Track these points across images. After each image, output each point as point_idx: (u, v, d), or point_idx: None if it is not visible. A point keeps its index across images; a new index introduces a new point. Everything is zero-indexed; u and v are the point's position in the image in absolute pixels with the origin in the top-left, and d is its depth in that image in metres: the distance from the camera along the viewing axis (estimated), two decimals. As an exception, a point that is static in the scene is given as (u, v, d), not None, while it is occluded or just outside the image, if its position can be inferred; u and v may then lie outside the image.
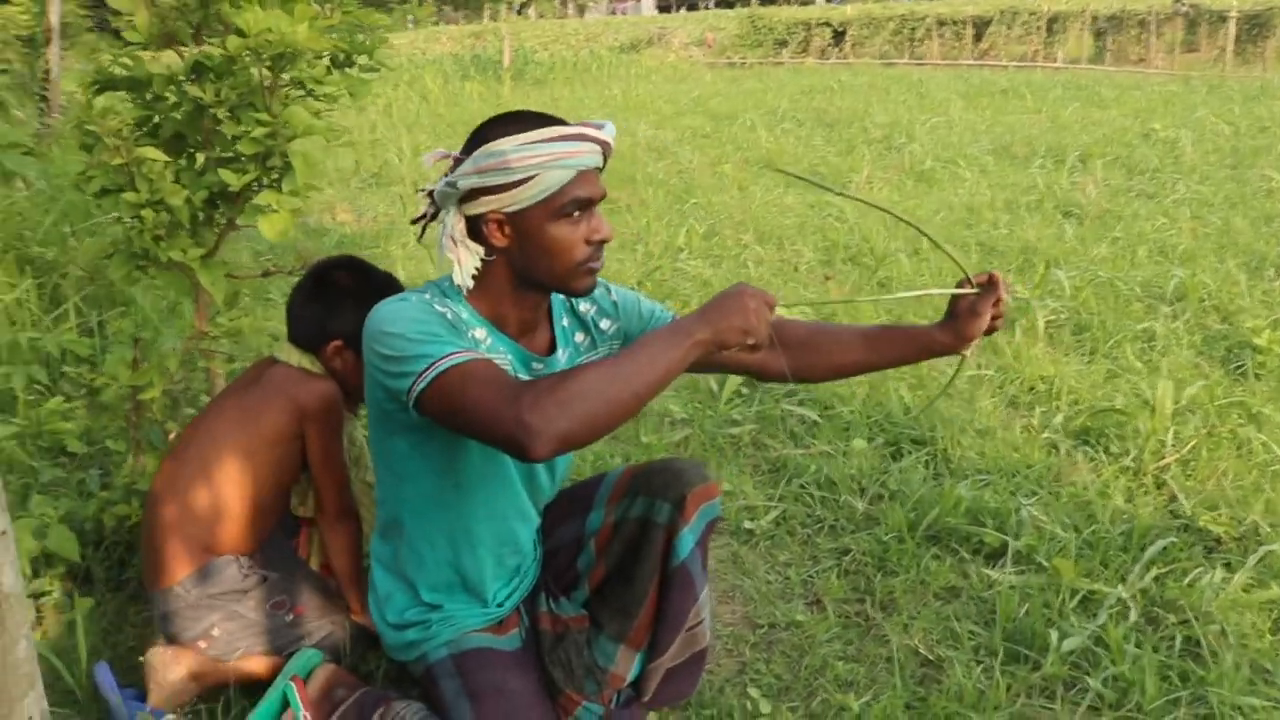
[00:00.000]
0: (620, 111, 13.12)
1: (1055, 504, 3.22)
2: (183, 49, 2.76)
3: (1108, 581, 2.78)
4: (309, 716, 2.25)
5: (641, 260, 6.13)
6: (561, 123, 1.87)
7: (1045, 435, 3.71)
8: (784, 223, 7.01)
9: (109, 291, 4.45)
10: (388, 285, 2.60)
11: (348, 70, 3.12)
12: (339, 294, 2.56)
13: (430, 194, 1.94)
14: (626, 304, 2.23)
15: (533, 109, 1.92)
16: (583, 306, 2.18)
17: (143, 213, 2.66)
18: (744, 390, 4.20)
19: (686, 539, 2.14)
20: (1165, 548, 2.91)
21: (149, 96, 2.81)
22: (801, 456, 3.60)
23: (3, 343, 4.20)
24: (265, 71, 2.66)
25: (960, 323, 2.05)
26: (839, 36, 23.25)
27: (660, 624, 2.19)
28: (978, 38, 23.83)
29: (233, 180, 2.65)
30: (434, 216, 1.96)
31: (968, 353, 2.10)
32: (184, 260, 2.77)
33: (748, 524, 3.22)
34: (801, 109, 12.83)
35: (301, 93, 2.88)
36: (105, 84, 2.85)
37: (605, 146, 1.87)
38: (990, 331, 2.07)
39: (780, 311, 1.92)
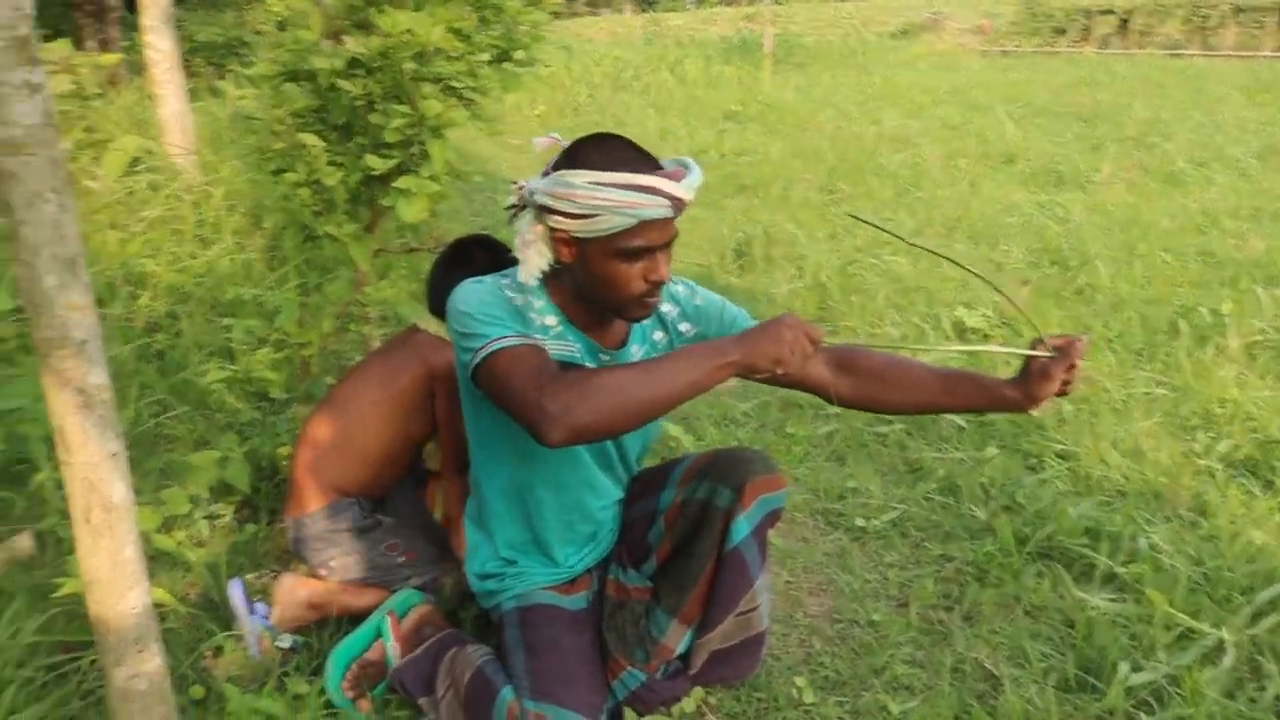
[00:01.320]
0: (874, 100, 12.96)
1: (1187, 535, 3.08)
2: (343, 46, 3.02)
3: (1213, 621, 2.66)
4: (396, 647, 2.50)
5: (845, 252, 6.12)
6: (645, 165, 1.95)
7: (1203, 462, 3.53)
8: (1005, 221, 6.83)
9: (321, 258, 4.85)
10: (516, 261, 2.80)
11: (504, 65, 3.33)
12: (473, 269, 2.78)
13: (520, 187, 2.10)
14: (709, 310, 2.33)
15: (627, 139, 2.00)
16: (665, 306, 2.30)
17: (300, 191, 2.94)
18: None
19: (742, 525, 2.23)
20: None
21: (324, 87, 3.10)
22: (933, 460, 3.57)
23: (232, 298, 4.68)
24: (408, 67, 2.88)
25: (1031, 383, 2.08)
26: (1124, 24, 21.94)
27: (712, 603, 2.30)
28: (1284, 25, 21.94)
29: (378, 165, 2.90)
30: (521, 209, 2.12)
31: (1036, 412, 2.10)
32: (338, 235, 3.04)
33: (859, 521, 3.25)
34: (1061, 102, 12.30)
35: (439, 86, 3.09)
36: (289, 75, 3.15)
37: (677, 202, 1.94)
38: (1062, 394, 2.08)
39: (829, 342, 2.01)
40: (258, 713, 2.29)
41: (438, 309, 2.79)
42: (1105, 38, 22.62)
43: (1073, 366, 2.04)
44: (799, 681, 2.48)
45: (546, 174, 2.01)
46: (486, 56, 3.25)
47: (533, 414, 1.80)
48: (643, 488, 2.46)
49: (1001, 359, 4.21)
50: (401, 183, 2.91)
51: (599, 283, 2.02)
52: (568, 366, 2.04)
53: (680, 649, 2.35)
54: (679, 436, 3.72)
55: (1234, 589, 2.81)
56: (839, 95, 13.26)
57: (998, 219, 6.89)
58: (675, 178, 1.95)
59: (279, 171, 3.06)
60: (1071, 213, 7.01)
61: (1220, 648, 2.56)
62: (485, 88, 3.23)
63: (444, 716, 2.28)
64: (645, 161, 1.97)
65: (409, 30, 2.80)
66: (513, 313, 2.04)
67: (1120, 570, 2.85)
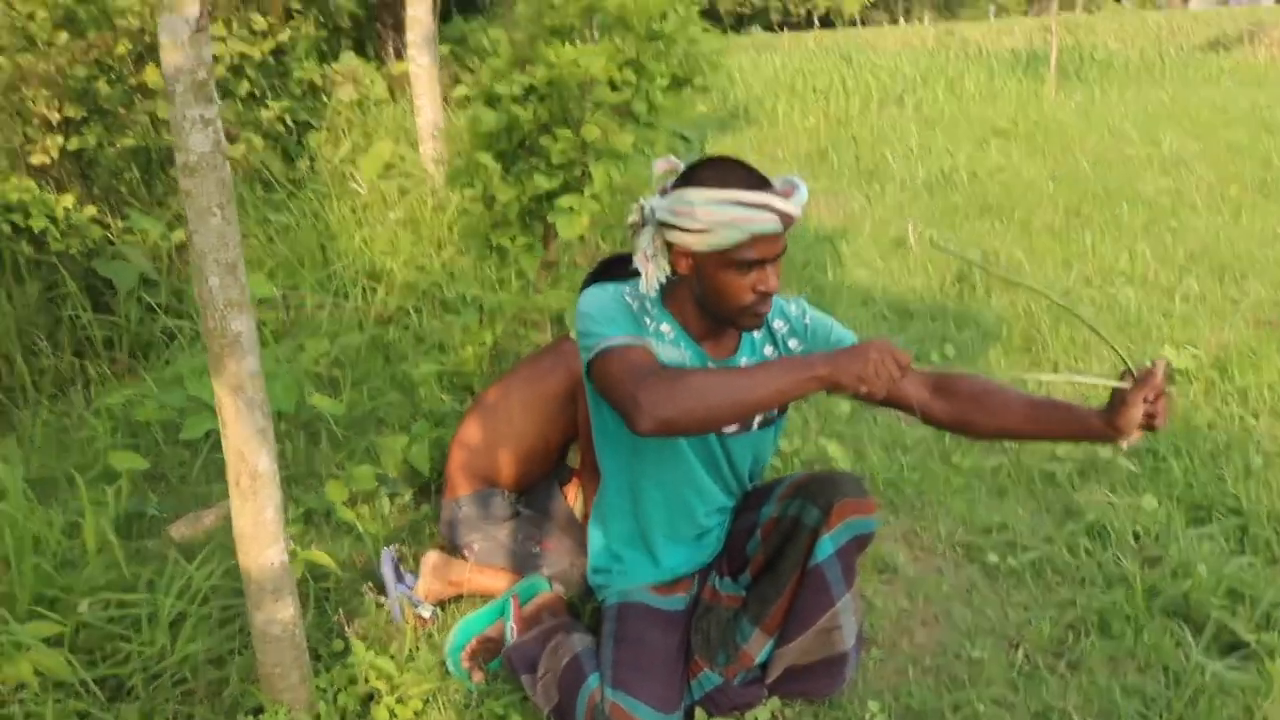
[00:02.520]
0: (1157, 118, 12.31)
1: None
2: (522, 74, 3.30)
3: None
4: (515, 628, 2.76)
5: (1072, 281, 5.96)
6: (757, 184, 2.15)
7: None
8: (1258, 255, 6.43)
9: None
10: None
11: (684, 89, 3.52)
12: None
13: (641, 206, 2.31)
14: (817, 329, 2.47)
15: (740, 160, 2.21)
16: (777, 323, 2.47)
17: (474, 206, 3.24)
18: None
19: (826, 544, 2.35)
20: None
21: (509, 110, 3.38)
22: (1088, 502, 3.51)
23: (453, 296, 5.08)
24: (574, 94, 3.12)
25: (1114, 412, 2.12)
26: None
27: (792, 617, 2.43)
28: None
29: (544, 184, 3.15)
30: (641, 226, 2.32)
31: (1124, 445, 2.12)
32: (510, 247, 3.32)
33: (995, 558, 3.24)
34: (1373, 127, 11.31)
35: (610, 111, 3.31)
36: (488, 99, 3.46)
37: (786, 217, 2.13)
38: (1150, 428, 2.11)
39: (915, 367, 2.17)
40: (375, 668, 2.58)
41: None
42: None
43: (1159, 396, 2.07)
44: (873, 705, 2.55)
45: (665, 193, 2.21)
46: (664, 83, 3.45)
47: (627, 404, 2.01)
48: (750, 501, 2.61)
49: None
50: (564, 201, 3.16)
51: (713, 293, 2.21)
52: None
53: (760, 658, 2.47)
54: (838, 456, 3.80)
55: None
56: (1121, 113, 12.67)
57: (1251, 252, 6.49)
58: (785, 195, 2.15)
59: (468, 185, 3.36)
60: (1341, 251, 6.52)
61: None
62: (659, 113, 3.42)
63: (540, 695, 2.49)
64: (757, 180, 2.16)
65: (575, 62, 3.03)
66: (629, 316, 2.25)
67: (1250, 638, 2.75)
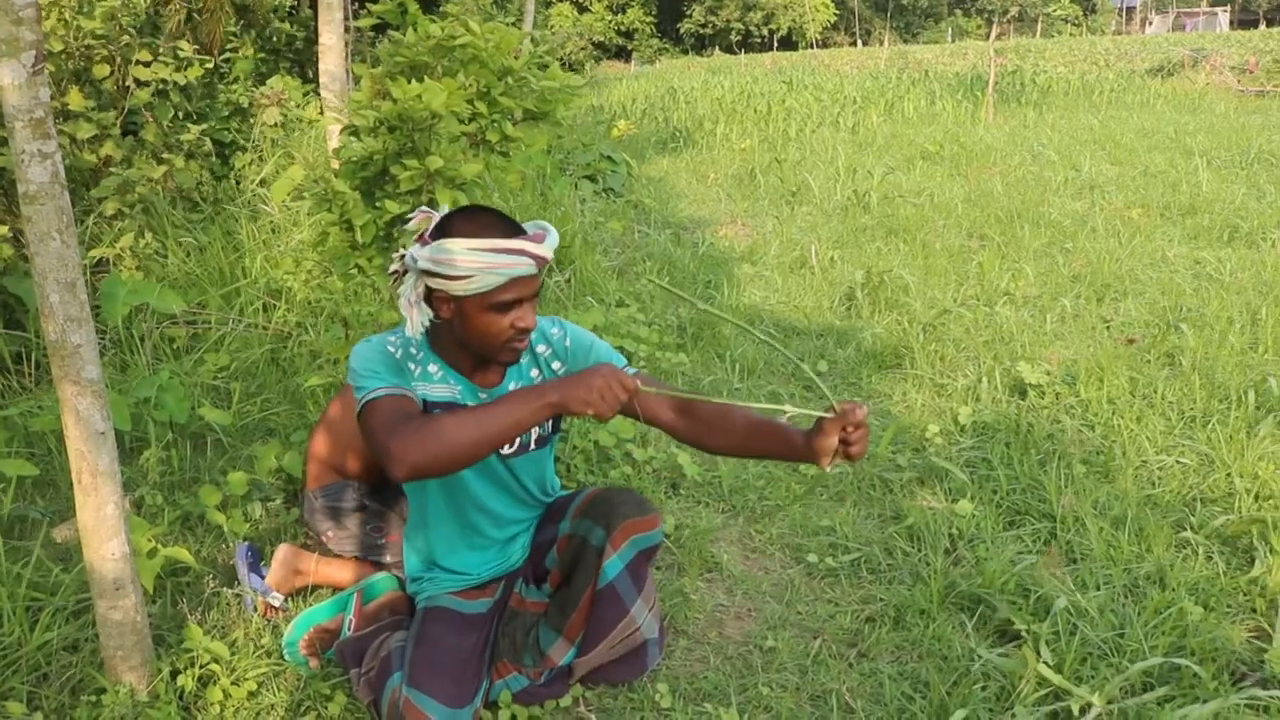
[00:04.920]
0: (1084, 143, 12.68)
1: (1125, 603, 3.17)
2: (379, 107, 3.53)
3: (1094, 687, 2.78)
4: (353, 621, 2.98)
5: (954, 300, 6.23)
6: (510, 231, 2.36)
7: (1188, 534, 3.57)
8: (1141, 277, 6.73)
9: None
10: None
11: (539, 124, 3.76)
12: None
13: (402, 257, 2.53)
14: (577, 349, 2.69)
15: (493, 208, 2.44)
16: (540, 347, 2.69)
17: (331, 229, 3.47)
18: (934, 441, 4.36)
19: (614, 564, 2.59)
20: (1179, 671, 2.82)
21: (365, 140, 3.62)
22: (912, 508, 3.76)
23: (348, 313, 5.29)
24: (422, 126, 3.36)
25: (813, 437, 2.34)
26: None
27: (590, 629, 2.66)
28: None
29: (394, 208, 3.39)
30: (403, 274, 2.55)
31: (825, 466, 2.36)
32: (366, 268, 3.55)
33: (811, 558, 3.49)
34: (1287, 152, 11.70)
35: (463, 142, 3.55)
36: (352, 131, 3.69)
37: (539, 260, 2.35)
38: (848, 457, 2.32)
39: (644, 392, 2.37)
40: (209, 652, 2.80)
41: None
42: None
43: (858, 427, 2.28)
44: (661, 688, 2.78)
45: (425, 243, 2.42)
46: (518, 115, 3.69)
47: (383, 454, 2.23)
48: (552, 513, 2.84)
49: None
50: (411, 226, 3.39)
51: (474, 333, 2.41)
52: (449, 408, 2.47)
53: (563, 662, 2.70)
54: (687, 465, 4.05)
55: (1138, 657, 2.90)
56: (1048, 138, 13.03)
57: (1136, 274, 6.79)
58: (537, 240, 2.36)
59: (328, 210, 3.59)
60: (1222, 270, 6.82)
61: (1085, 712, 2.69)
62: (513, 142, 3.66)
63: (362, 689, 2.71)
64: (510, 227, 2.38)
65: (418, 96, 3.27)
66: (390, 365, 2.46)
67: (1023, 627, 3.00)
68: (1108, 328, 5.81)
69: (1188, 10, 62.33)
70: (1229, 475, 3.95)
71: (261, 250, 5.95)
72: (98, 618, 2.66)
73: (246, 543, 3.31)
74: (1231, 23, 58.03)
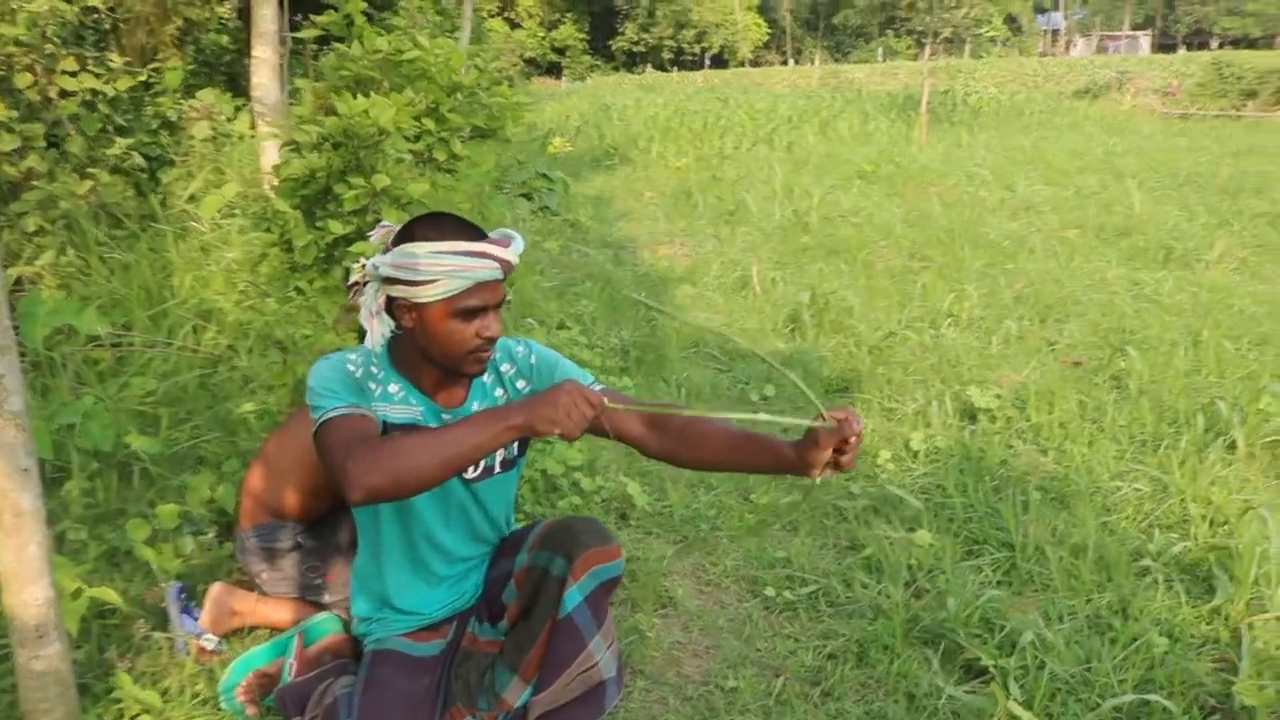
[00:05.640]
0: (1017, 164, 12.81)
1: (1090, 636, 3.11)
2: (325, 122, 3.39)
3: None
4: (294, 666, 2.82)
5: (899, 323, 6.20)
6: (474, 235, 2.25)
7: (1148, 562, 3.52)
8: (1082, 299, 6.75)
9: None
10: None
11: (487, 139, 3.64)
12: None
13: (363, 265, 2.40)
14: (542, 367, 2.56)
15: (456, 214, 2.32)
16: (504, 366, 2.56)
17: (271, 250, 3.31)
18: (887, 468, 4.29)
19: (574, 595, 2.44)
20: (1149, 705, 2.76)
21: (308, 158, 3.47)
22: (870, 536, 3.68)
23: (283, 336, 5.11)
24: (368, 143, 3.22)
25: (804, 449, 2.21)
26: (1329, 87, 20.81)
27: (547, 664, 2.51)
28: None
29: (338, 229, 3.24)
30: (365, 284, 2.41)
31: (815, 478, 2.25)
32: (307, 290, 3.40)
33: (772, 591, 3.39)
34: (1211, 172, 11.89)
35: (411, 160, 3.42)
36: (293, 147, 3.54)
37: (505, 264, 2.24)
38: (839, 468, 2.21)
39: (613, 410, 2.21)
40: (139, 701, 2.62)
41: None
42: (1305, 102, 21.53)
43: (847, 440, 2.16)
44: (621, 734, 2.66)
45: (387, 251, 2.30)
46: (465, 134, 3.56)
47: (338, 475, 2.08)
48: (505, 548, 2.69)
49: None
50: (356, 248, 3.24)
51: (438, 341, 2.28)
52: (410, 429, 2.32)
53: (519, 703, 2.56)
54: (635, 494, 3.93)
55: (1107, 692, 2.84)
56: (981, 158, 13.14)
57: (1076, 295, 6.82)
58: (503, 245, 2.24)
59: (266, 230, 3.43)
60: (1159, 292, 6.88)
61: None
62: (461, 161, 3.53)
63: (307, 736, 2.56)
64: (474, 232, 2.26)
65: (365, 112, 3.13)
66: (350, 384, 2.32)
67: (991, 663, 2.92)
68: (1052, 350, 5.81)
69: (1110, 34, 63.78)
70: (1183, 501, 3.92)
71: (191, 269, 5.74)
72: (18, 668, 2.48)
73: (178, 582, 3.13)
74: (1152, 46, 59.43)
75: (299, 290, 3.40)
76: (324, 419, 2.21)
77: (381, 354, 2.40)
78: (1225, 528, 3.77)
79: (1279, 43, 64.11)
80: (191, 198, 6.86)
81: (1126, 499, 3.99)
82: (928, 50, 18.70)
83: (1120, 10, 76.45)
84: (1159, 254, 8.15)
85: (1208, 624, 3.22)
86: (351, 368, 2.37)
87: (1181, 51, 50.48)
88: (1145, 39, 60.06)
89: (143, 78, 7.47)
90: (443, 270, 2.18)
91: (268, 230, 3.34)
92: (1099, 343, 5.87)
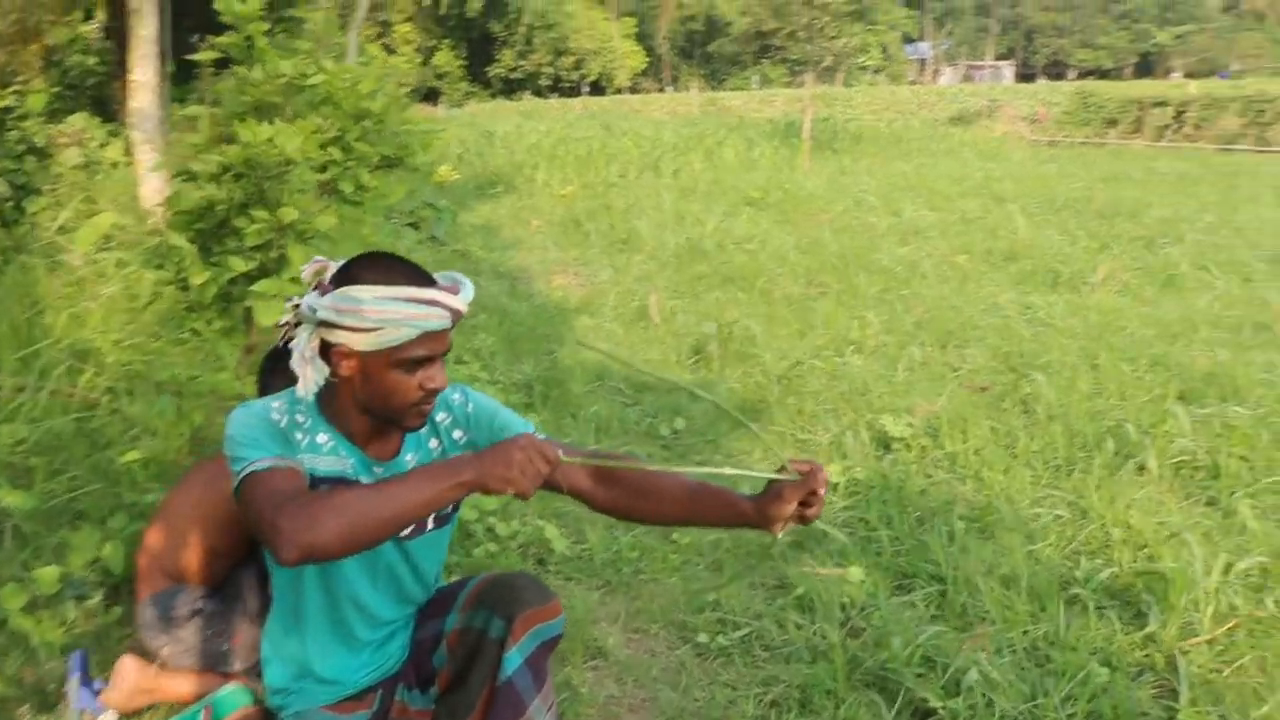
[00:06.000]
0: (900, 190, 12.99)
1: (1030, 669, 3.04)
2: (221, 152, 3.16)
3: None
4: None
5: (804, 351, 6.15)
6: (422, 280, 2.05)
7: (1078, 590, 3.49)
8: (979, 323, 6.80)
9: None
10: None
11: (395, 169, 3.45)
12: (288, 370, 2.87)
13: (296, 305, 2.19)
14: (480, 416, 2.38)
15: (401, 257, 2.12)
16: (440, 415, 2.37)
17: (165, 290, 3.07)
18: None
19: (514, 657, 2.26)
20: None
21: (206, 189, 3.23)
22: (800, 574, 3.57)
23: (168, 377, 4.83)
24: (272, 173, 3.01)
25: (767, 503, 2.09)
26: (1179, 116, 21.71)
27: None
28: (1346, 119, 21.52)
29: (239, 266, 3.02)
30: (295, 326, 2.21)
31: (778, 534, 2.12)
32: (204, 332, 3.16)
33: (705, 637, 3.25)
34: (1087, 197, 12.22)
35: (315, 191, 3.22)
36: (185, 174, 3.30)
37: (455, 313, 2.05)
38: (803, 521, 2.09)
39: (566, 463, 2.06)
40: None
41: None
42: (1160, 130, 22.44)
43: (813, 493, 2.05)
44: (563, 801, 2.49)
45: (324, 291, 2.10)
46: (373, 163, 3.37)
47: (268, 532, 1.88)
48: (434, 608, 2.50)
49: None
50: (259, 286, 3.02)
51: (378, 393, 2.10)
52: (338, 483, 2.12)
53: (458, 775, 2.37)
54: (553, 538, 3.76)
55: (1055, 729, 2.77)
56: (866, 184, 13.31)
57: (974, 320, 6.87)
58: (452, 291, 2.06)
59: (158, 267, 3.19)
60: (1052, 316, 6.97)
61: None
62: (367, 193, 3.33)
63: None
64: (422, 277, 2.07)
65: (270, 140, 2.92)
66: (274, 435, 2.11)
67: (939, 704, 2.83)
68: (956, 375, 5.81)
69: (975, 63, 65.90)
70: (1104, 526, 3.91)
71: (64, 306, 5.40)
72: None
73: (80, 650, 2.86)
74: (1015, 76, 61.52)
75: (195, 331, 3.16)
76: (247, 472, 2.00)
77: (310, 401, 2.20)
78: (1145, 551, 3.76)
79: (1127, 74, 67.18)
80: (62, 229, 6.48)
81: (1048, 526, 3.96)
82: (809, 78, 18.89)
83: (983, 41, 79.15)
84: (1047, 277, 8.28)
85: (1143, 651, 3.19)
86: (276, 416, 2.16)
87: (1041, 81, 52.41)
88: (1008, 69, 62.25)
89: (5, 102, 7.07)
90: (388, 318, 2.00)
91: (160, 267, 3.10)
92: (1000, 367, 5.90)
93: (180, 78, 8.31)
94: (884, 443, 4.76)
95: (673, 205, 11.62)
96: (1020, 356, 5.98)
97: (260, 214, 2.99)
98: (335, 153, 3.19)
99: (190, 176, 3.24)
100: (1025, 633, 3.24)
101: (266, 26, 3.12)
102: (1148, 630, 3.24)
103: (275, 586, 2.39)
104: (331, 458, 2.18)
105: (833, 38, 16.61)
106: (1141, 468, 4.41)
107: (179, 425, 3.39)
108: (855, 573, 3.55)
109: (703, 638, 3.26)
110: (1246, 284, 8.03)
